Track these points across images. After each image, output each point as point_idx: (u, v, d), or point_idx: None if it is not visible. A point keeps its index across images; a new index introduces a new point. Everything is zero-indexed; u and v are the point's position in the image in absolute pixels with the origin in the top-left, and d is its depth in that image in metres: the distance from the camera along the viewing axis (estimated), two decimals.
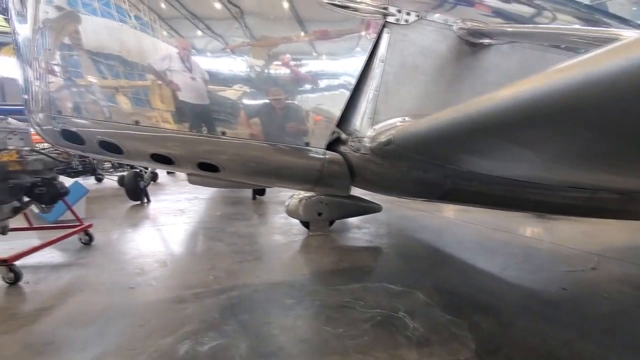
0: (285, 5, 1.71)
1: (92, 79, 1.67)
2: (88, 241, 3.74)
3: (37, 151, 2.95)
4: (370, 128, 1.81)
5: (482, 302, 2.39)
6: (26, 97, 1.79)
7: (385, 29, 1.79)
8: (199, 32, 1.67)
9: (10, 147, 2.82)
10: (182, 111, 1.69)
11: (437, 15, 1.85)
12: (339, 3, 1.73)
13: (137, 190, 6.33)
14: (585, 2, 2.36)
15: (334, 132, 1.81)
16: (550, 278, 2.90)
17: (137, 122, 1.70)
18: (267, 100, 1.73)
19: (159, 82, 1.67)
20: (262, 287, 2.62)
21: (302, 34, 1.76)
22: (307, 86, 1.77)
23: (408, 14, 1.81)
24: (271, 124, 1.75)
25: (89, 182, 8.44)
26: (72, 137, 1.78)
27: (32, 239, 3.80)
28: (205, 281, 2.71)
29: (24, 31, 1.68)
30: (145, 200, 6.76)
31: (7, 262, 2.65)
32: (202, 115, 1.70)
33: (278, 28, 1.73)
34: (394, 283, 2.63)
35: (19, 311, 2.26)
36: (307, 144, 1.78)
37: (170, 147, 1.77)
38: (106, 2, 1.63)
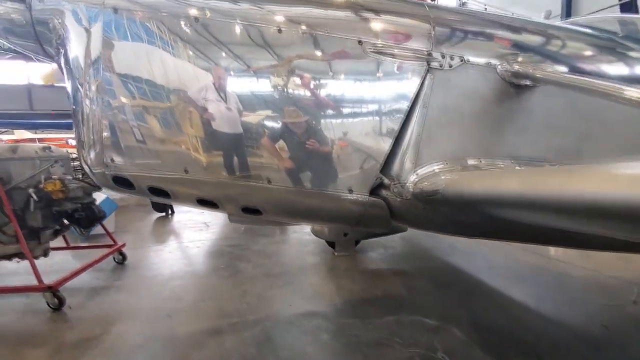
0: (331, 53, 1.72)
1: (146, 131, 1.72)
2: (122, 260, 3.85)
3: (78, 179, 3.06)
4: (413, 173, 1.80)
5: (521, 341, 2.34)
6: (79, 141, 1.86)
7: (429, 74, 1.79)
8: (245, 90, 1.70)
9: (54, 177, 2.94)
10: (229, 160, 1.72)
11: (481, 57, 1.84)
12: (383, 51, 1.74)
13: (162, 202, 6.49)
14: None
15: (377, 178, 1.81)
16: (589, 312, 2.82)
17: (186, 171, 1.74)
18: (312, 148, 1.74)
19: (209, 134, 1.71)
20: (296, 318, 2.64)
21: (347, 81, 1.77)
22: (352, 133, 1.78)
23: (452, 58, 1.80)
24: (315, 171, 1.76)
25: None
26: (123, 182, 1.83)
27: (69, 257, 3.96)
28: (239, 309, 2.75)
29: (81, 84, 1.75)
30: (170, 211, 6.92)
31: (52, 288, 2.77)
32: (248, 164, 1.73)
33: (323, 76, 1.75)
34: (428, 316, 2.61)
35: (67, 340, 2.35)
36: (350, 190, 1.79)
37: (216, 194, 1.80)
38: (161, 59, 1.68)
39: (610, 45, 2.16)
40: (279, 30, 1.67)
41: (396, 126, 1.80)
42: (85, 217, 3.19)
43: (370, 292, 3.08)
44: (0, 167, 2.86)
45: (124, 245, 3.89)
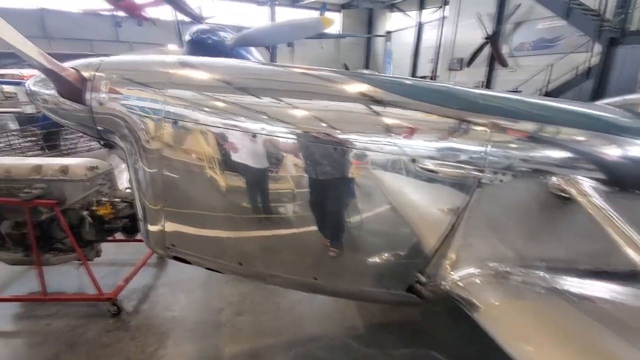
0: (384, 168, 1.74)
1: (204, 225, 1.87)
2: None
3: (126, 202, 3.25)
4: (450, 275, 1.93)
5: None
6: (143, 219, 2.02)
7: (478, 189, 1.80)
8: (299, 198, 1.77)
9: (104, 199, 3.14)
10: (280, 259, 1.88)
11: (533, 173, 1.82)
12: (435, 169, 1.74)
13: None
14: None
15: (415, 277, 1.95)
16: None
17: (240, 264, 1.91)
18: (357, 251, 1.86)
19: (261, 234, 1.84)
20: (323, 344, 2.99)
21: (396, 191, 1.81)
22: (394, 238, 1.87)
23: (504, 174, 1.79)
24: (358, 272, 1.91)
25: None
26: (182, 260, 2.04)
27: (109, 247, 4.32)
28: (273, 327, 3.12)
29: (142, 177, 1.84)
30: None
31: (111, 299, 3.16)
32: (297, 263, 1.88)
33: (375, 188, 1.79)
34: (443, 352, 2.92)
35: (131, 356, 2.77)
36: (389, 289, 1.94)
37: (266, 283, 2.00)
38: (219, 164, 1.74)
39: None
40: (335, 149, 1.69)
41: (440, 233, 1.89)
42: (132, 226, 3.46)
43: (388, 317, 3.37)
44: (55, 188, 3.06)
45: None
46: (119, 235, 3.59)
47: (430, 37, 25.56)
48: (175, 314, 3.28)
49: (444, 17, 21.15)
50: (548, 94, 14.45)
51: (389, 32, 30.91)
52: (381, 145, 1.67)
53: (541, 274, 1.96)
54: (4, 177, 3.04)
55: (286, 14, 28.10)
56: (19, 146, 7.23)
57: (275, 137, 1.64)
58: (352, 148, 1.68)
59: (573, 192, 1.81)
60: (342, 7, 32.68)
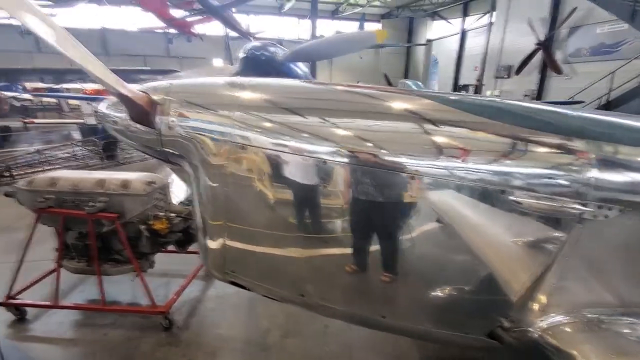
0: (472, 200, 1.56)
1: (266, 254, 1.79)
2: None
3: (181, 216, 3.31)
4: (538, 321, 1.70)
5: None
6: (201, 242, 1.98)
7: (578, 225, 1.57)
8: (371, 229, 1.64)
9: (161, 214, 3.20)
10: (346, 294, 1.75)
11: None
12: (525, 201, 1.53)
13: None
14: None
15: (497, 322, 1.73)
16: None
17: (302, 295, 1.81)
18: (432, 291, 1.69)
19: (326, 266, 1.72)
20: None
21: (483, 228, 1.62)
22: (477, 276, 1.68)
23: (610, 208, 1.55)
24: (432, 312, 1.73)
25: None
26: (239, 285, 1.97)
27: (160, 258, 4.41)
28: (322, 354, 2.99)
29: (206, 202, 1.81)
30: None
31: (164, 312, 3.19)
32: (365, 299, 1.74)
33: (452, 218, 1.62)
34: None
35: None
36: (467, 333, 1.75)
37: (329, 316, 1.87)
38: (286, 192, 1.66)
39: None
40: (412, 177, 1.54)
41: (530, 274, 1.66)
42: (185, 240, 3.51)
43: (445, 350, 3.12)
44: (116, 202, 3.17)
45: None
46: (170, 247, 3.66)
47: (473, 44, 24.71)
48: (223, 332, 3.25)
49: (491, 23, 20.31)
50: (609, 103, 13.28)
51: (429, 41, 30.31)
52: (466, 173, 1.50)
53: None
54: (72, 190, 3.20)
55: (326, 26, 28.53)
56: (81, 156, 7.79)
57: (348, 165, 1.53)
58: (429, 176, 1.52)
59: None
60: (381, 17, 32.62)
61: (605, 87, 13.57)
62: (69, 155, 7.60)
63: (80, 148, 8.00)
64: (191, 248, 3.64)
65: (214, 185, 1.74)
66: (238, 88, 1.71)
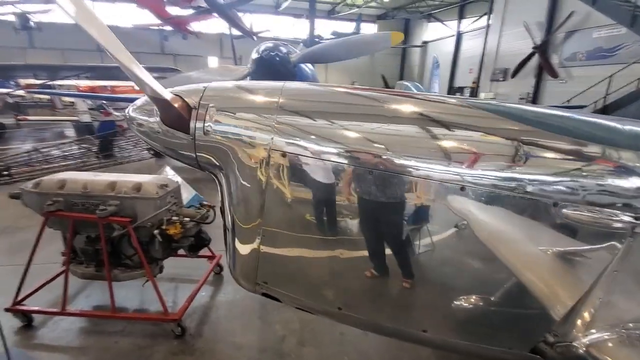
0: (521, 213, 1.51)
1: (304, 264, 1.72)
2: (219, 271, 4.19)
3: (195, 221, 3.22)
4: (583, 336, 1.66)
5: None
6: (231, 251, 1.90)
7: (630, 238, 1.54)
8: (416, 243, 1.58)
9: (175, 218, 3.11)
10: (389, 309, 1.69)
11: None
12: (581, 217, 1.49)
13: None
14: None
15: (541, 336, 1.69)
16: None
17: (340, 308, 1.74)
18: (478, 305, 1.64)
19: (369, 279, 1.66)
20: None
21: (531, 242, 1.58)
22: (526, 293, 1.63)
23: None
24: (475, 327, 1.68)
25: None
26: (270, 297, 1.90)
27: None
28: None
29: (271, 209, 1.70)
30: None
31: (176, 320, 3.10)
32: (406, 314, 1.69)
33: (498, 231, 1.57)
34: None
35: None
36: (510, 348, 1.70)
37: (366, 329, 1.82)
38: (326, 202, 1.59)
39: None
40: (462, 188, 1.49)
41: (578, 288, 1.62)
42: (196, 245, 3.42)
43: None
44: (127, 205, 3.07)
45: (220, 256, 4.18)
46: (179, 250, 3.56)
47: (469, 47, 24.90)
48: (237, 340, 3.17)
49: (488, 26, 20.45)
50: (606, 107, 13.47)
51: (425, 42, 30.46)
52: (517, 184, 1.46)
53: None
54: (81, 193, 3.09)
55: (323, 26, 28.47)
56: (79, 154, 7.60)
57: (395, 174, 1.47)
58: (482, 187, 1.47)
59: None
60: (377, 17, 32.70)
61: (601, 91, 13.77)
62: (66, 153, 7.41)
63: (78, 146, 7.80)
64: (200, 252, 3.56)
65: (249, 193, 1.67)
66: (277, 93, 1.64)
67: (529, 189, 1.46)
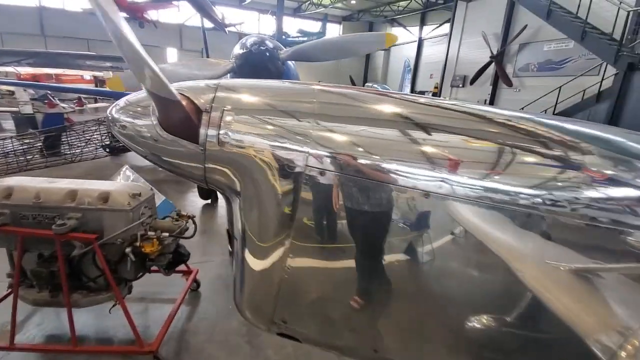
0: (585, 239, 1.37)
1: (334, 303, 1.46)
2: (196, 288, 3.78)
3: (174, 236, 2.81)
4: None
5: None
6: (238, 284, 1.60)
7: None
8: (458, 275, 1.39)
9: (151, 233, 2.68)
10: (431, 350, 1.48)
11: None
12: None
13: (209, 190, 6.32)
14: None
15: None
16: None
17: (376, 351, 1.50)
18: (523, 349, 1.48)
19: (411, 317, 1.44)
20: None
21: (594, 273, 1.45)
22: (577, 320, 1.50)
23: None
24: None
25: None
26: (287, 337, 1.62)
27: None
28: None
29: (298, 235, 1.42)
30: (214, 198, 6.78)
31: (152, 352, 2.69)
32: (449, 355, 1.49)
33: (549, 256, 1.42)
34: None
35: None
36: None
37: None
38: (377, 215, 1.35)
39: None
40: (529, 215, 1.31)
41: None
42: (173, 262, 3.01)
43: None
44: (92, 219, 2.60)
45: (197, 271, 3.77)
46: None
47: (430, 53, 25.80)
48: None
49: (451, 33, 21.28)
50: (555, 115, 14.49)
51: (388, 46, 31.12)
52: (585, 208, 1.31)
53: None
54: (33, 204, 2.56)
55: (289, 24, 28.06)
56: (20, 151, 6.61)
57: (457, 199, 1.25)
58: (535, 215, 1.30)
59: None
60: (343, 19, 32.92)
61: (551, 100, 14.82)
62: (6, 150, 6.41)
63: (19, 142, 6.80)
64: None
65: (278, 216, 1.37)
66: (312, 96, 1.36)
67: (598, 215, 1.32)
